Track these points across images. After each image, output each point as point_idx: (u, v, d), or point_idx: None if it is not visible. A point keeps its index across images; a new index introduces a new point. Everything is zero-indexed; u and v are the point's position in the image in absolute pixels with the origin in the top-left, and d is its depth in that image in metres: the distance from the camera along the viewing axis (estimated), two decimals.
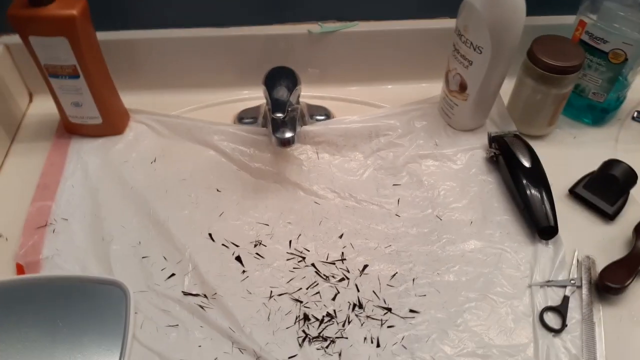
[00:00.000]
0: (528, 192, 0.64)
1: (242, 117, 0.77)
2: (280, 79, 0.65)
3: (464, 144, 0.74)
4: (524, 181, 0.65)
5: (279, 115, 0.62)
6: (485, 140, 0.73)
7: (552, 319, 0.56)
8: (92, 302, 0.57)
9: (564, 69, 0.66)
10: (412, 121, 0.76)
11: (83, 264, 0.60)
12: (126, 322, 0.55)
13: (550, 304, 0.58)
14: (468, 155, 0.73)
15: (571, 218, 0.66)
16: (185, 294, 0.59)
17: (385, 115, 0.76)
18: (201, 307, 0.57)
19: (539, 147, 0.70)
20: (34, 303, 0.56)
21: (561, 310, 0.57)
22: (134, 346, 0.54)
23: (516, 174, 0.66)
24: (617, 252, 0.62)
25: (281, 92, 0.63)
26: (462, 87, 0.70)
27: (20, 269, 0.59)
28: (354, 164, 0.73)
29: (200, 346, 0.54)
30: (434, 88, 0.78)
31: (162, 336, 0.55)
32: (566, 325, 0.56)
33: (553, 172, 0.67)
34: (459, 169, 0.72)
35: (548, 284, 0.59)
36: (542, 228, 0.62)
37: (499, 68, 0.67)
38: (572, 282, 0.59)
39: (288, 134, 0.65)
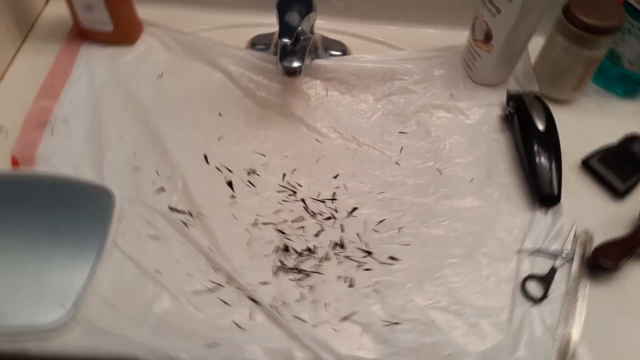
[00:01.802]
0: (536, 156, 0.60)
1: (256, 43, 0.74)
2: (294, 4, 0.62)
3: (481, 99, 0.70)
4: (534, 144, 0.61)
5: (286, 40, 0.59)
6: (504, 98, 0.69)
7: (534, 288, 0.55)
8: (80, 203, 0.57)
9: (599, 28, 0.61)
10: (431, 68, 0.72)
11: (76, 166, 0.61)
12: (108, 227, 0.55)
13: (536, 272, 0.55)
14: (483, 111, 0.69)
15: (578, 190, 0.62)
16: (172, 209, 0.59)
17: (404, 58, 0.73)
18: (184, 223, 0.58)
19: (559, 112, 0.66)
20: (23, 197, 0.57)
21: (545, 280, 0.55)
22: (113, 251, 0.55)
23: (528, 135, 0.62)
24: (619, 231, 0.58)
25: (292, 17, 0.61)
26: (487, 37, 0.65)
27: (15, 162, 0.60)
28: (363, 105, 0.71)
29: (176, 260, 0.55)
30: (462, 37, 0.73)
31: (142, 245, 0.56)
32: (547, 296, 0.54)
33: (569, 140, 0.63)
34: (471, 124, 0.68)
35: (538, 252, 0.57)
36: (544, 195, 0.59)
37: (528, 20, 0.62)
38: (563, 254, 0.56)
39: (295, 64, 0.62)
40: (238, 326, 0.51)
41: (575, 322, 0.52)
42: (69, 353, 0.48)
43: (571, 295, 0.54)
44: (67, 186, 0.58)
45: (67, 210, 0.57)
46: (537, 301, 0.53)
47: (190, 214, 0.59)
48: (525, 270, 0.56)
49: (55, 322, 0.49)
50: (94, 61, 0.71)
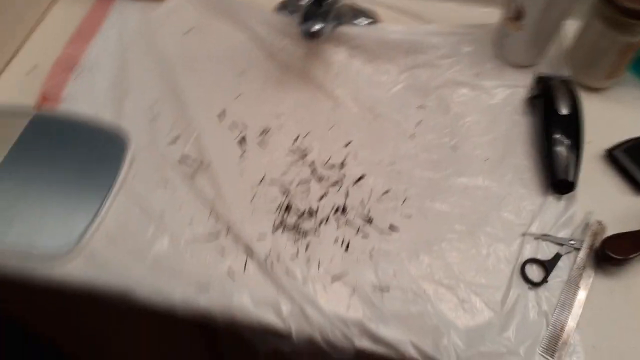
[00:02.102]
0: (555, 140, 0.58)
1: (285, 6, 0.74)
2: None
3: (507, 79, 0.68)
4: (555, 128, 0.59)
5: (309, 1, 0.59)
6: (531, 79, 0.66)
7: (533, 272, 0.53)
8: (97, 144, 0.60)
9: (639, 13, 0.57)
10: (459, 44, 0.70)
11: (97, 110, 0.64)
12: (120, 169, 0.58)
13: (538, 257, 0.54)
14: (508, 91, 0.67)
15: (598, 180, 0.60)
16: (182, 159, 0.60)
17: (432, 32, 0.71)
18: (193, 173, 0.59)
19: (590, 100, 0.63)
20: (46, 134, 0.60)
21: (547, 265, 0.53)
22: (121, 192, 0.57)
23: (549, 118, 0.60)
24: (635, 226, 0.55)
25: None
26: (519, 15, 0.63)
27: (43, 99, 0.63)
28: (385, 77, 0.70)
29: (180, 206, 0.57)
30: (497, 16, 0.71)
31: (150, 190, 0.58)
32: (546, 282, 0.52)
33: (596, 129, 0.61)
34: (494, 104, 0.66)
35: (544, 237, 0.55)
36: (558, 180, 0.57)
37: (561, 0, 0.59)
38: (571, 242, 0.54)
39: (316, 27, 0.62)
40: (231, 273, 0.52)
41: (573, 310, 0.51)
42: (69, 281, 0.50)
43: (573, 284, 0.52)
44: (86, 127, 0.61)
45: (85, 149, 0.59)
46: (535, 285, 0.52)
47: (200, 165, 0.60)
48: (528, 254, 0.54)
49: (60, 249, 0.52)
50: (126, 13, 0.73)
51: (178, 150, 0.61)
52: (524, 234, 0.55)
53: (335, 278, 0.52)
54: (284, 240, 0.55)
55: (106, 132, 0.60)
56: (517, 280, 0.53)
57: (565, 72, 0.67)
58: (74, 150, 0.59)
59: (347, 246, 0.55)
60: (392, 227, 0.56)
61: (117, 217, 0.55)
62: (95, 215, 0.54)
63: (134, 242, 0.53)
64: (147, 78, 0.67)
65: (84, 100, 0.64)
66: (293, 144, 0.64)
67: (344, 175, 0.61)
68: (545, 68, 0.69)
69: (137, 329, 0.65)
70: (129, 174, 0.58)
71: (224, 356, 0.68)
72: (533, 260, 0.53)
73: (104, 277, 0.50)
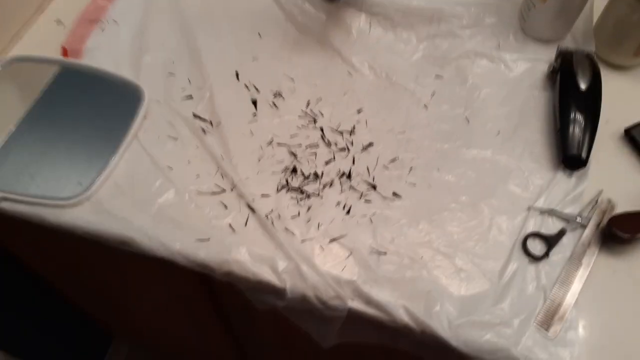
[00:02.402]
0: (570, 114, 0.56)
1: None
2: None
3: (529, 53, 0.66)
4: (571, 103, 0.57)
5: None
6: (554, 54, 0.64)
7: (536, 246, 0.52)
8: (113, 97, 0.62)
9: None
10: (483, 14, 0.69)
11: (116, 63, 0.65)
12: (133, 122, 0.59)
13: (542, 232, 0.53)
14: (529, 65, 0.65)
15: (613, 159, 0.58)
16: (195, 115, 0.61)
17: (456, 0, 0.69)
18: (203, 130, 0.60)
19: (613, 78, 0.61)
20: (65, 84, 0.62)
21: (550, 240, 0.52)
22: (133, 144, 0.59)
23: (566, 92, 0.58)
24: None
25: None
26: None
27: (65, 53, 0.65)
28: (404, 45, 0.69)
29: (189, 161, 0.58)
30: None
31: (160, 143, 0.59)
32: (548, 256, 0.51)
33: (616, 108, 0.59)
34: (513, 77, 0.65)
35: (550, 212, 0.54)
36: (569, 155, 0.56)
37: None
38: (577, 219, 0.53)
39: None
40: (231, 228, 0.53)
41: (573, 287, 0.50)
42: (75, 226, 0.53)
43: (575, 260, 0.51)
44: (104, 79, 0.62)
45: (101, 101, 0.61)
46: (536, 259, 0.51)
47: (211, 123, 0.61)
48: (531, 228, 0.53)
49: (71, 194, 0.54)
50: None
51: (191, 107, 0.62)
52: (529, 208, 0.55)
53: (334, 240, 0.52)
54: (287, 201, 0.55)
55: (122, 86, 0.62)
56: (518, 253, 0.52)
57: (591, 48, 0.65)
58: (91, 103, 0.61)
59: (349, 210, 0.55)
60: (396, 194, 0.56)
61: (126, 168, 0.56)
62: (106, 164, 0.56)
63: (141, 193, 0.55)
64: (168, 34, 0.68)
65: (104, 53, 0.65)
66: (305, 108, 0.64)
67: (353, 142, 0.61)
68: (569, 43, 0.67)
69: (139, 274, 0.67)
70: (141, 127, 0.60)
71: (224, 307, 0.70)
72: (536, 235, 0.53)
73: (108, 224, 0.52)
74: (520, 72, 0.65)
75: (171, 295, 0.70)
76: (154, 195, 0.55)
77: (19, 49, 0.67)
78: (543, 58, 0.65)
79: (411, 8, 0.69)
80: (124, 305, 0.90)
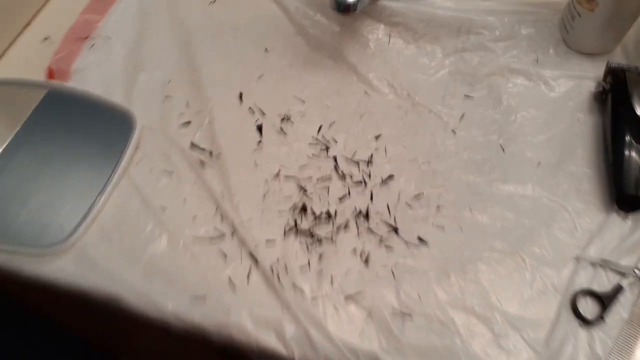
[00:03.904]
0: (625, 146, 0.48)
1: None
2: None
3: (573, 69, 0.58)
4: (626, 131, 0.49)
5: None
6: (602, 71, 0.56)
7: (587, 306, 0.45)
8: (102, 125, 0.55)
9: None
10: (518, 25, 0.60)
11: (107, 85, 0.58)
12: (123, 155, 0.52)
13: (594, 288, 0.45)
14: (572, 83, 0.57)
15: None
16: (193, 145, 0.55)
17: (488, 9, 0.61)
18: (202, 163, 0.53)
19: None
20: (49, 110, 0.55)
21: (604, 299, 0.44)
22: (123, 180, 0.52)
23: (621, 119, 0.50)
24: None
25: None
26: None
27: (51, 74, 0.59)
28: (428, 60, 0.61)
29: (185, 200, 0.51)
30: None
31: (153, 179, 0.52)
32: (602, 319, 0.44)
33: None
34: (554, 97, 0.57)
35: (603, 263, 0.46)
36: (625, 195, 0.48)
37: None
38: (636, 271, 0.45)
39: None
40: (231, 283, 0.46)
41: (633, 357, 0.42)
42: (57, 279, 0.46)
43: (635, 324, 0.43)
44: (93, 104, 0.56)
45: (89, 130, 0.55)
46: (588, 323, 0.44)
47: (210, 154, 0.54)
48: (581, 283, 0.46)
49: (52, 241, 0.47)
50: None
51: (189, 135, 0.55)
52: (578, 258, 0.47)
53: (350, 298, 0.45)
54: (295, 248, 0.48)
55: (112, 113, 0.55)
56: (567, 314, 0.44)
57: None
58: (78, 133, 0.54)
59: (367, 259, 0.48)
60: (421, 240, 0.49)
61: (115, 209, 0.50)
62: (92, 205, 0.49)
63: (130, 240, 0.48)
64: (165, 51, 0.61)
65: (94, 73, 0.59)
66: (316, 133, 0.56)
67: (370, 174, 0.53)
68: (620, 57, 0.58)
69: (133, 330, 0.61)
70: (133, 160, 0.53)
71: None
72: (587, 292, 0.45)
73: (92, 278, 0.46)
74: (563, 91, 0.57)
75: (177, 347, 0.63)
76: (145, 243, 0.48)
77: (1, 71, 0.60)
78: (589, 75, 0.57)
79: (436, 18, 0.61)
80: (127, 339, 0.84)
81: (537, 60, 0.58)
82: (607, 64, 0.54)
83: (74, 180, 0.51)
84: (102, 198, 0.50)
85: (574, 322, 0.44)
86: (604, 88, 0.52)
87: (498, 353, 0.42)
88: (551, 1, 0.61)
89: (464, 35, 0.61)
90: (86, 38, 0.62)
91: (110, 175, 0.51)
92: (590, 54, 0.58)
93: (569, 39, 0.58)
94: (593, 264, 0.46)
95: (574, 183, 0.51)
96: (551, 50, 0.59)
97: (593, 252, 0.47)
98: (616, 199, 0.48)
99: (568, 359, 0.42)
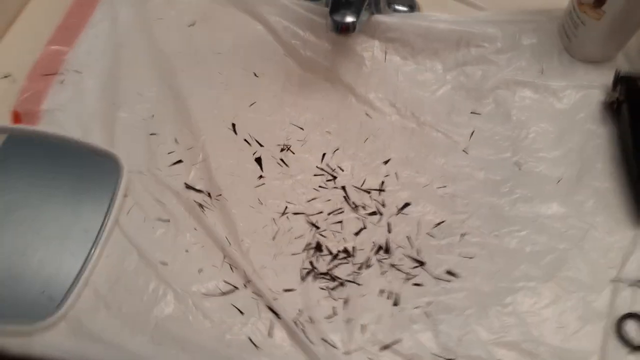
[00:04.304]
0: None
1: None
2: None
3: (579, 79, 0.56)
4: None
5: None
6: (610, 79, 0.54)
7: (634, 331, 0.42)
8: (83, 172, 0.49)
9: None
10: (519, 35, 0.58)
11: (85, 126, 0.52)
12: (111, 204, 0.47)
13: (637, 310, 0.43)
14: (580, 94, 0.55)
15: None
16: (188, 187, 0.49)
17: (486, 20, 0.59)
18: (201, 206, 0.48)
19: None
20: (19, 159, 0.49)
21: None
22: (114, 233, 0.46)
23: (639, 128, 0.48)
24: None
25: None
26: (600, 0, 0.51)
27: (16, 117, 0.52)
28: (428, 75, 0.58)
29: (187, 251, 0.46)
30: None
31: (148, 229, 0.47)
32: None
33: None
34: (563, 109, 0.55)
35: None
36: None
37: None
38: None
39: (348, 18, 0.50)
40: (252, 344, 0.41)
41: None
42: (50, 356, 0.40)
43: None
44: (69, 150, 0.50)
45: (68, 178, 0.49)
46: (637, 348, 0.41)
47: (209, 195, 0.49)
48: (623, 306, 0.43)
49: (39, 315, 0.41)
50: (118, 3, 0.61)
51: (182, 175, 0.50)
52: (615, 280, 0.44)
53: (385, 347, 0.41)
54: (317, 295, 0.44)
55: (93, 157, 0.49)
56: (613, 342, 0.42)
57: None
58: (55, 183, 0.48)
59: (396, 301, 0.44)
60: (451, 273, 0.45)
61: (109, 269, 0.44)
62: (82, 267, 0.43)
63: (131, 304, 0.42)
64: (145, 83, 0.56)
65: (68, 113, 0.52)
66: (320, 162, 0.52)
67: (384, 203, 0.50)
68: (624, 63, 0.57)
69: None
70: (122, 210, 0.47)
71: None
72: (630, 315, 0.43)
73: (93, 353, 0.40)
74: (572, 102, 0.55)
75: None
76: (148, 306, 0.42)
77: None
78: (596, 84, 0.55)
79: (433, 32, 0.58)
80: None
81: (542, 72, 0.56)
82: (616, 73, 0.53)
83: (58, 239, 0.45)
84: (93, 257, 0.44)
85: (622, 350, 0.42)
86: (617, 99, 0.51)
87: None
88: (549, 8, 0.59)
89: (463, 48, 0.58)
90: (55, 73, 0.55)
91: (100, 230, 0.45)
92: (594, 62, 0.56)
93: (572, 48, 0.57)
94: (631, 285, 0.44)
95: (599, 199, 0.49)
96: (555, 60, 0.57)
97: (630, 272, 0.45)
98: None
99: None
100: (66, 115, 0.53)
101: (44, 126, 0.52)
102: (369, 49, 0.59)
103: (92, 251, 0.44)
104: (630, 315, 0.43)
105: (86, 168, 0.49)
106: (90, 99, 0.54)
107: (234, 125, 0.54)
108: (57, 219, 0.46)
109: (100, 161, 0.49)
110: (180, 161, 0.51)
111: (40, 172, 0.49)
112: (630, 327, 0.42)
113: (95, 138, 0.51)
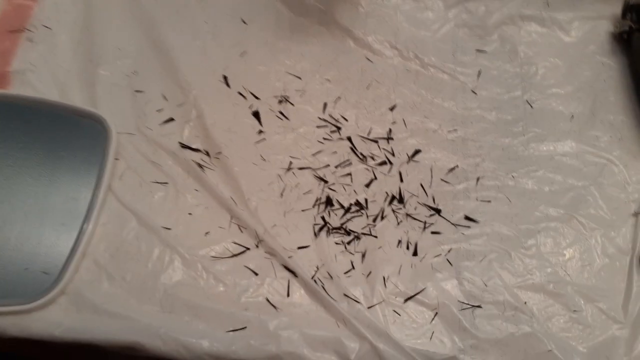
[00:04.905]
0: None
1: None
2: None
3: (586, 9, 0.54)
4: None
5: None
6: (618, 9, 0.52)
7: None
8: (66, 138, 0.45)
9: None
10: None
11: (62, 87, 0.48)
12: (102, 169, 0.43)
13: None
14: (589, 26, 0.53)
15: None
16: (183, 146, 0.46)
17: None
18: (200, 165, 0.45)
19: None
20: None
21: None
22: (109, 201, 0.43)
23: None
24: None
25: None
26: None
27: None
28: (429, 13, 0.55)
29: (190, 214, 0.43)
30: None
31: (145, 194, 0.43)
32: None
33: None
34: (572, 42, 0.52)
35: None
36: None
37: None
38: None
39: None
40: (271, 304, 0.39)
41: None
42: (52, 335, 0.37)
43: None
44: (46, 114, 0.45)
45: (52, 145, 0.44)
46: None
47: (207, 153, 0.46)
48: None
49: (36, 291, 0.38)
50: None
51: (175, 134, 0.46)
52: (636, 214, 0.43)
53: (409, 297, 0.40)
54: (333, 248, 0.42)
55: (77, 118, 0.45)
56: (639, 275, 0.41)
57: None
58: (39, 150, 0.44)
59: (416, 250, 0.42)
60: (469, 219, 0.44)
61: (108, 239, 0.41)
62: (78, 238, 0.40)
63: (135, 272, 0.39)
64: (124, 35, 0.51)
65: (41, 74, 0.48)
66: (322, 113, 0.49)
67: (393, 151, 0.47)
68: None
69: None
70: (114, 175, 0.44)
71: None
72: None
73: (97, 325, 0.37)
74: (580, 35, 0.53)
75: None
76: (155, 273, 0.40)
77: None
78: (604, 14, 0.53)
79: None
80: None
81: (548, 3, 0.54)
82: (625, 1, 0.50)
83: (49, 210, 0.41)
84: (89, 227, 0.40)
85: None
86: (631, 27, 0.48)
87: (580, 330, 0.39)
88: None
89: None
90: (21, 29, 0.50)
91: (93, 197, 0.41)
92: None
93: None
94: None
95: (614, 133, 0.47)
96: None
97: None
98: None
99: None
100: (39, 76, 0.48)
101: (15, 89, 0.47)
102: None
103: (86, 220, 0.41)
104: None
105: (68, 132, 0.45)
106: (64, 56, 0.49)
107: (225, 77, 0.50)
108: (46, 190, 0.42)
109: (83, 124, 0.45)
110: (171, 119, 0.47)
111: (14, 140, 0.44)
112: None
113: (75, 99, 0.47)
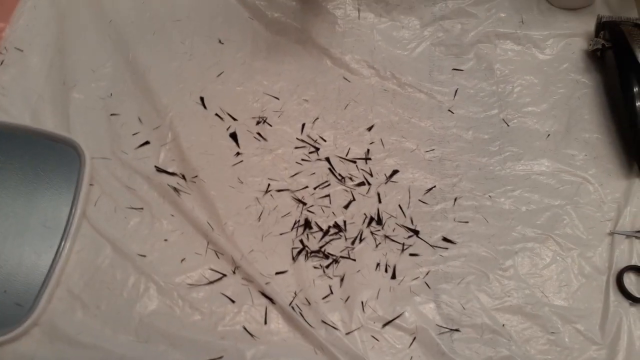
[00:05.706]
0: (637, 102, 0.45)
1: None
2: None
3: (560, 27, 0.54)
4: (637, 86, 0.46)
5: None
6: (591, 27, 0.53)
7: (634, 283, 0.42)
8: (39, 163, 0.44)
9: None
10: None
11: (34, 111, 0.47)
12: (76, 196, 0.42)
13: (635, 262, 0.42)
14: (562, 43, 0.53)
15: None
16: (159, 170, 0.45)
17: None
18: (176, 190, 0.44)
19: None
20: None
21: None
22: (83, 227, 0.42)
23: (628, 77, 0.47)
24: None
25: None
26: None
27: None
28: (405, 32, 0.55)
29: (166, 240, 0.42)
30: None
31: (120, 220, 0.43)
32: None
33: None
34: (547, 60, 0.53)
35: (638, 235, 0.43)
36: None
37: None
38: None
39: None
40: (248, 333, 0.39)
41: None
42: None
43: None
44: (18, 138, 0.44)
45: (23, 172, 0.44)
46: (637, 300, 0.41)
47: (183, 177, 0.45)
48: (622, 259, 0.43)
49: (8, 322, 0.37)
50: None
51: (151, 158, 0.46)
52: (611, 233, 0.44)
53: (387, 322, 0.39)
54: (311, 273, 0.42)
55: (50, 143, 0.44)
56: (615, 296, 0.41)
57: (631, 13, 0.54)
58: (10, 178, 0.43)
59: (394, 272, 0.42)
60: (447, 240, 0.43)
61: (82, 267, 0.40)
62: (51, 266, 0.39)
63: (110, 300, 0.39)
64: (97, 58, 0.51)
65: (14, 97, 0.47)
66: (300, 134, 0.49)
67: (372, 172, 0.47)
68: (603, 9, 0.55)
69: None
70: (89, 201, 0.43)
71: None
72: (630, 268, 0.42)
73: (72, 356, 0.37)
74: (555, 52, 0.53)
75: None
76: (129, 302, 0.39)
77: None
78: (577, 31, 0.54)
79: None
80: None
81: (523, 21, 0.54)
82: (598, 19, 0.51)
83: (21, 238, 0.40)
84: (63, 254, 0.40)
85: (625, 303, 0.41)
86: (603, 45, 0.49)
87: (558, 352, 0.39)
88: None
89: (440, 1, 0.55)
90: None
91: (67, 224, 0.41)
92: (573, 9, 0.54)
93: None
94: (628, 237, 0.43)
95: (589, 151, 0.48)
96: (534, 9, 0.55)
97: (625, 224, 0.44)
98: (637, 162, 0.45)
99: (627, 342, 0.40)
100: (10, 100, 0.47)
101: None
102: (341, 7, 0.55)
103: (61, 248, 0.40)
104: (629, 268, 0.42)
105: (43, 157, 0.44)
106: (36, 79, 0.49)
107: (202, 98, 0.50)
108: (18, 217, 0.41)
109: (57, 148, 0.44)
110: (147, 142, 0.47)
111: None
112: (630, 279, 0.42)
113: (48, 123, 0.46)
